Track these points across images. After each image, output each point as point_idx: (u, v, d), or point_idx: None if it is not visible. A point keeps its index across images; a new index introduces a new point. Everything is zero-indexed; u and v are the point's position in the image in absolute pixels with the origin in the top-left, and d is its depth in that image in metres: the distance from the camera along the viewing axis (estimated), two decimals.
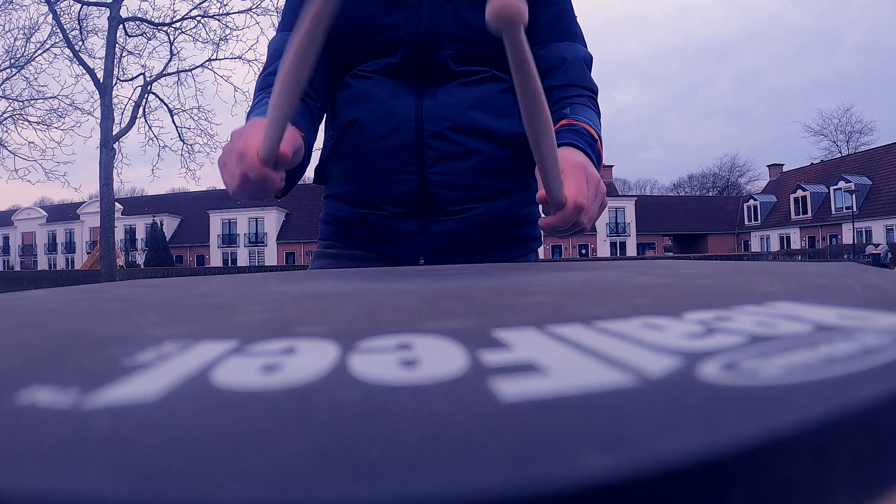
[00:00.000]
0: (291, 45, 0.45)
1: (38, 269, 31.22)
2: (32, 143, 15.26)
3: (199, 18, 14.21)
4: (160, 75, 14.57)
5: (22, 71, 14.42)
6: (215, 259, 31.62)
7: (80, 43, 13.74)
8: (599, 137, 0.75)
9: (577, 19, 0.88)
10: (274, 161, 0.57)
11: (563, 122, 0.75)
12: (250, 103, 0.84)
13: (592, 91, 0.83)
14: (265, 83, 0.81)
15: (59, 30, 13.31)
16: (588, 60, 0.85)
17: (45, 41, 14.31)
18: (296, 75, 0.47)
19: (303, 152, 0.66)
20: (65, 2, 13.29)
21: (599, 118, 0.81)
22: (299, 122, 0.74)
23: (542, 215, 0.63)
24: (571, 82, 0.82)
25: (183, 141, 15.04)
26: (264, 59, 0.87)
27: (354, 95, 0.83)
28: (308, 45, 0.45)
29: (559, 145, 0.70)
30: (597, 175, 0.65)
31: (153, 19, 14.11)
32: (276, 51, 0.84)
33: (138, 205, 34.94)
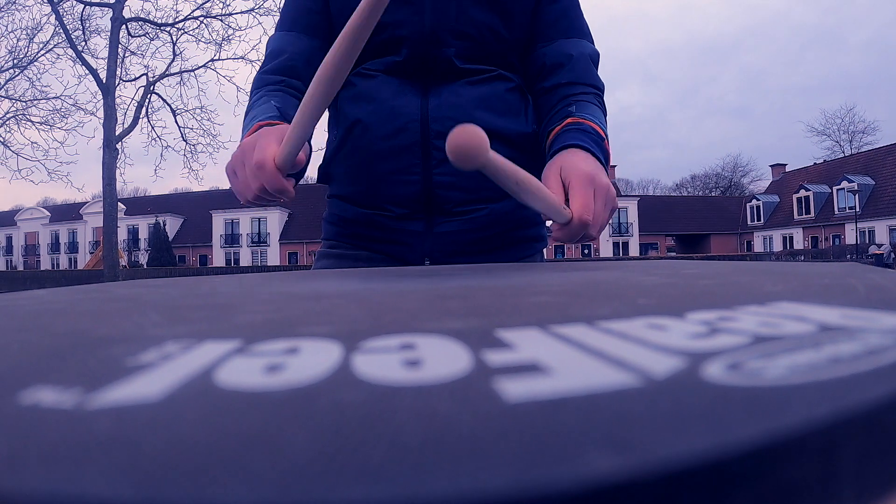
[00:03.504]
0: (328, 61, 0.46)
1: (41, 268, 31.26)
2: (35, 143, 15.34)
3: (201, 19, 14.26)
4: (163, 75, 14.61)
5: (25, 71, 14.48)
6: (218, 259, 31.65)
7: (83, 43, 13.78)
8: (606, 135, 0.75)
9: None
10: (289, 170, 0.59)
11: (569, 119, 0.75)
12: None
13: (598, 89, 0.83)
14: (263, 81, 0.81)
15: (62, 30, 13.35)
16: (594, 57, 0.85)
17: (47, 41, 14.38)
18: (326, 91, 0.48)
19: (310, 154, 0.67)
20: (68, 2, 13.32)
21: (605, 116, 0.81)
22: None
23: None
24: (577, 80, 0.81)
25: (186, 141, 15.08)
26: None
27: (358, 94, 0.82)
28: (343, 62, 0.46)
29: (566, 147, 0.71)
30: (605, 182, 0.65)
31: (156, 20, 14.15)
32: (274, 49, 0.84)
33: (141, 205, 35.01)
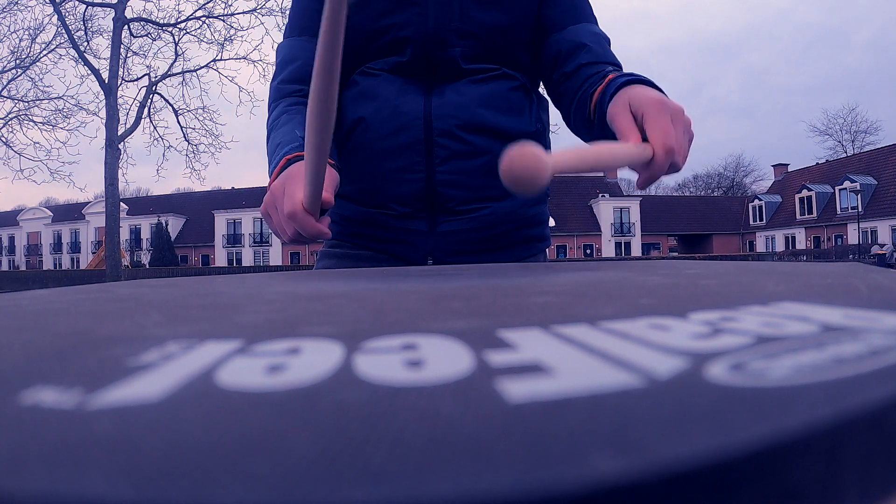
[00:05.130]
0: (312, 89, 0.45)
1: (44, 268, 31.29)
2: (38, 143, 15.35)
3: (203, 19, 14.27)
4: (165, 76, 14.63)
5: (27, 71, 14.49)
6: (220, 259, 31.70)
7: (86, 44, 13.81)
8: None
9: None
10: (320, 210, 0.60)
11: (611, 76, 0.72)
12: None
13: (619, 67, 0.82)
14: (280, 91, 0.81)
15: (64, 30, 13.37)
16: (607, 40, 0.85)
17: (50, 42, 14.39)
18: (323, 119, 0.46)
19: (339, 182, 0.67)
20: (70, 3, 13.34)
21: None
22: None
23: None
24: (599, 60, 0.81)
25: (188, 141, 15.10)
26: (269, 59, 0.87)
27: (361, 93, 0.82)
28: (328, 85, 0.44)
29: (622, 85, 0.67)
30: (678, 106, 0.61)
31: (158, 20, 14.17)
32: (286, 57, 0.84)
33: (143, 205, 35.07)
